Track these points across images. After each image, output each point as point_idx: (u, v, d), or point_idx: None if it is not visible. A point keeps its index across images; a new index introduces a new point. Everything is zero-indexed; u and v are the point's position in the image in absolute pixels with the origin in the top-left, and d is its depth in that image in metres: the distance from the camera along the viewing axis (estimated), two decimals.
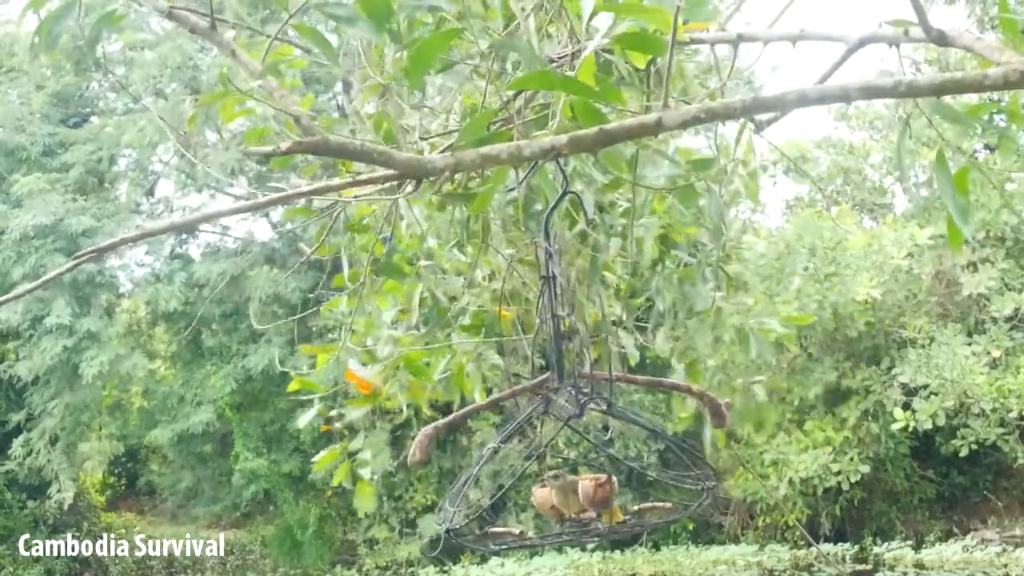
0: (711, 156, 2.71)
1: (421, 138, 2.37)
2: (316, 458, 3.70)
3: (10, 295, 2.30)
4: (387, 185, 2.36)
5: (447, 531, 2.35)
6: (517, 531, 2.50)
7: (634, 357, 3.29)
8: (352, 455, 3.66)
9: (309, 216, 3.13)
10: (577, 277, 2.91)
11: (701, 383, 3.41)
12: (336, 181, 2.17)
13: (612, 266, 3.05)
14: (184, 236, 21.02)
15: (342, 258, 3.16)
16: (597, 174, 2.52)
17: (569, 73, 2.31)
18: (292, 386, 3.62)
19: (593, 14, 2.19)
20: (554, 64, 2.42)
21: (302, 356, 18.44)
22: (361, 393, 3.47)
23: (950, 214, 2.15)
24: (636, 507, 2.55)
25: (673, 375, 3.58)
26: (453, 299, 3.26)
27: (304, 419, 3.59)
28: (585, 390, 2.39)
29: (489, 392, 3.38)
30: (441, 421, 2.76)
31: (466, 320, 3.31)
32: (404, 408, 3.49)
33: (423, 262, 3.10)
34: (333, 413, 3.59)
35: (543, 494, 2.44)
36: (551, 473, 2.45)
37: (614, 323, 3.25)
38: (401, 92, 2.46)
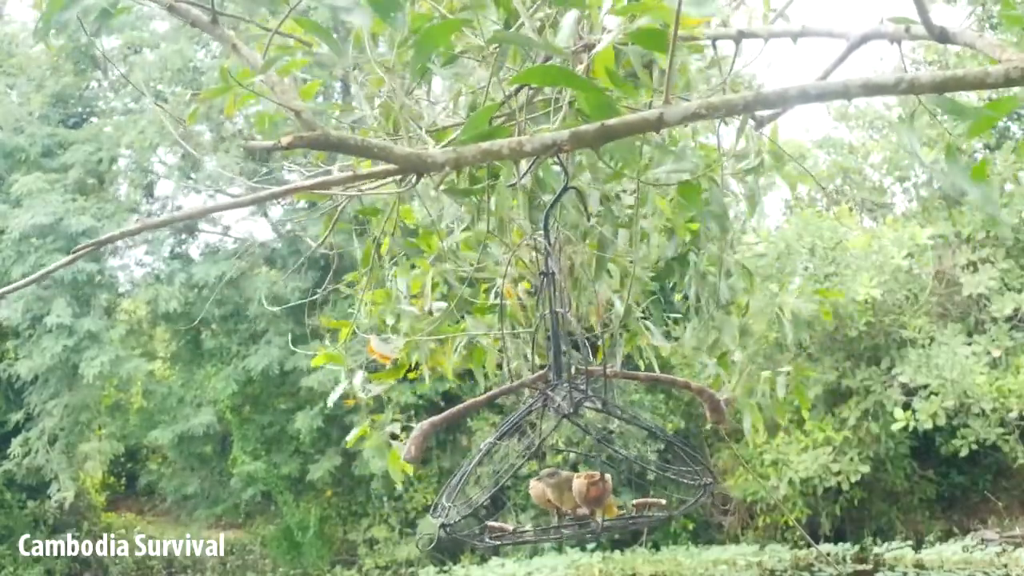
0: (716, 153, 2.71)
1: (427, 131, 2.37)
2: (350, 436, 3.72)
3: (6, 287, 2.30)
4: (389, 179, 2.36)
5: (443, 526, 2.35)
6: (511, 528, 2.51)
7: (665, 348, 3.29)
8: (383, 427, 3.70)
9: (318, 200, 3.14)
10: (580, 270, 2.91)
11: (731, 374, 3.42)
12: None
13: (621, 260, 3.05)
14: (184, 236, 20.99)
15: (353, 244, 3.19)
16: (602, 165, 2.51)
17: (579, 67, 2.30)
18: (316, 361, 3.64)
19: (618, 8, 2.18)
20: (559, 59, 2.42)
21: (303, 357, 18.47)
22: (384, 366, 3.50)
23: (960, 212, 2.14)
24: (632, 503, 2.56)
25: (703, 372, 3.60)
26: (462, 282, 3.28)
27: (333, 396, 3.62)
28: (582, 387, 2.38)
29: (487, 389, 3.39)
30: (438, 417, 2.76)
31: (477, 303, 3.33)
32: (427, 377, 3.50)
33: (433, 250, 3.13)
34: (357, 383, 3.59)
35: (539, 488, 2.45)
36: (546, 471, 2.46)
37: (641, 316, 3.26)
38: (405, 85, 2.46)
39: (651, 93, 2.47)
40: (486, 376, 3.47)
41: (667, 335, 3.39)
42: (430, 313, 3.29)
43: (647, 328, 3.28)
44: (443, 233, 3.08)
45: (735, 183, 3.18)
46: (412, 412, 14.80)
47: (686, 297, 3.37)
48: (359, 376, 3.49)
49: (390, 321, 3.42)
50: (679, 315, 3.62)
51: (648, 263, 3.17)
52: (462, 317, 3.32)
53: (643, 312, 3.36)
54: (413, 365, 3.50)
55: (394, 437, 3.60)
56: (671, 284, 3.47)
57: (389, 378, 3.56)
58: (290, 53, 2.26)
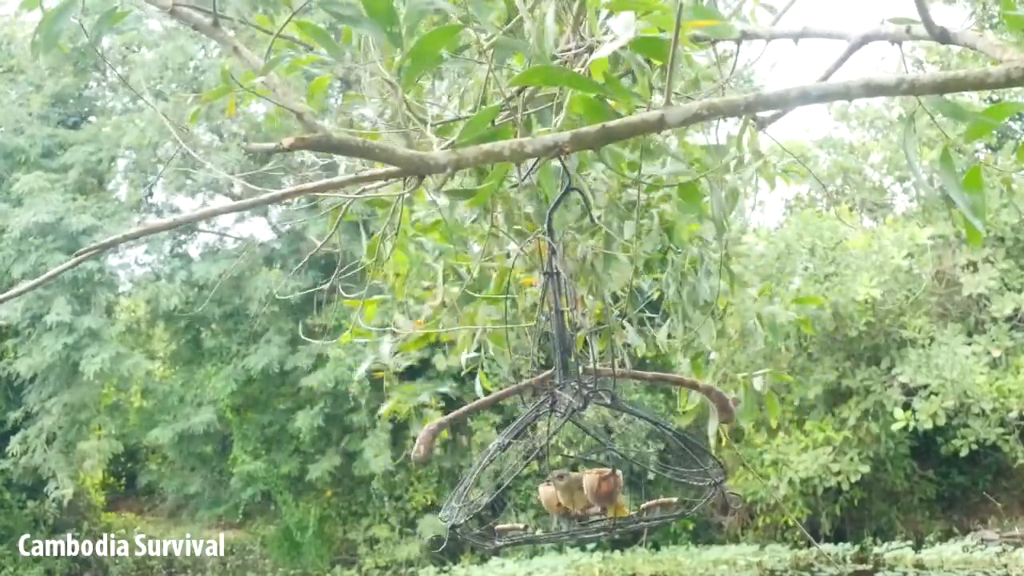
0: (714, 151, 2.71)
1: (430, 124, 2.36)
2: (383, 408, 3.75)
3: (11, 292, 2.30)
4: (390, 181, 2.36)
5: (452, 527, 2.34)
6: (523, 527, 2.50)
7: (640, 347, 3.29)
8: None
9: (317, 198, 3.15)
10: (584, 267, 2.91)
11: (703, 377, 3.42)
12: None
13: (629, 246, 3.05)
14: (183, 236, 21.01)
15: (356, 242, 3.20)
16: (604, 173, 2.52)
17: (578, 69, 2.30)
18: (345, 338, 3.60)
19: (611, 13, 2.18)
20: (557, 60, 2.42)
21: (303, 356, 18.45)
22: (415, 333, 3.47)
23: (960, 212, 2.12)
24: (642, 505, 2.54)
25: (677, 370, 3.60)
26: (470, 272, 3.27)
27: (360, 369, 3.63)
28: (589, 385, 2.38)
29: (487, 392, 3.38)
30: (444, 418, 2.76)
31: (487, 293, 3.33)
32: (459, 339, 3.46)
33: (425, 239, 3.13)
34: (391, 359, 3.55)
35: (549, 492, 2.43)
36: (555, 473, 2.45)
37: (621, 315, 3.26)
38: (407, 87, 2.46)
39: (649, 95, 2.47)
40: (490, 375, 3.46)
41: (642, 333, 3.39)
42: (443, 305, 3.29)
43: (622, 326, 3.28)
44: (458, 229, 3.08)
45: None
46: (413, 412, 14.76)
47: (662, 294, 3.38)
48: (387, 346, 3.44)
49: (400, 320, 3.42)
50: (654, 315, 3.63)
51: (649, 253, 3.17)
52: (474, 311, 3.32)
53: (619, 310, 3.36)
54: (437, 339, 3.48)
55: (425, 406, 3.62)
56: (651, 282, 3.48)
57: (417, 346, 3.52)
58: (291, 54, 2.26)
